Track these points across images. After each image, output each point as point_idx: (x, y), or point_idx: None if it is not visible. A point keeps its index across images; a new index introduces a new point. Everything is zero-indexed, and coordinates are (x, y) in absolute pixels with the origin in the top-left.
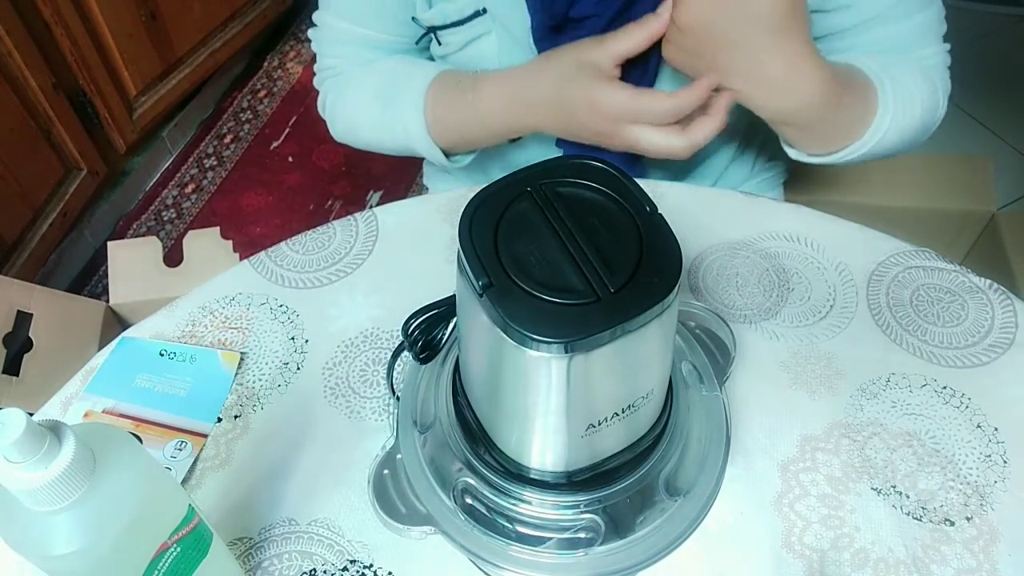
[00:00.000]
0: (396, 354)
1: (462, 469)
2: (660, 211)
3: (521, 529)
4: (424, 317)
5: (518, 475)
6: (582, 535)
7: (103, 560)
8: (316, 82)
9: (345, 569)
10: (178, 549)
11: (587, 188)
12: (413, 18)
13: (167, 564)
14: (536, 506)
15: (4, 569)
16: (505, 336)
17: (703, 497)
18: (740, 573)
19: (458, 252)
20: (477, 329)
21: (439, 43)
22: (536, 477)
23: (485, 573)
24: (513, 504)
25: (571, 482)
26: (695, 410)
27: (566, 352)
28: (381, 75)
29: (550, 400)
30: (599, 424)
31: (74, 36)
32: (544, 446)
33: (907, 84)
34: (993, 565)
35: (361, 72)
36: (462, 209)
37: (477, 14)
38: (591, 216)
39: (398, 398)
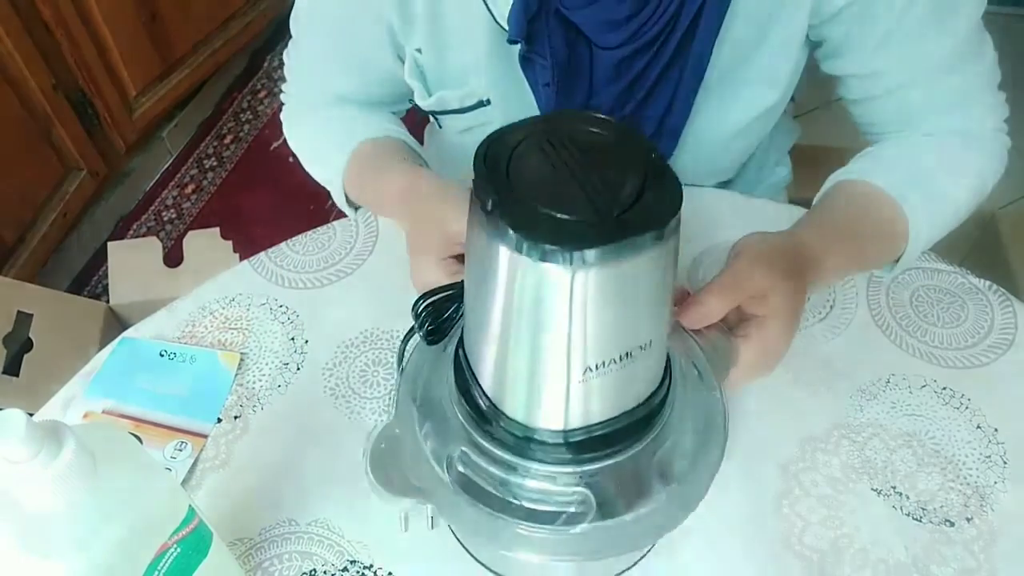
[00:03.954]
0: (407, 338)
1: (457, 441)
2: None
3: (512, 500)
4: (433, 299)
5: (514, 442)
6: (572, 510)
7: (103, 560)
8: (283, 98)
9: (345, 569)
10: (178, 549)
11: (595, 134)
12: (410, 100)
13: (167, 564)
14: (529, 477)
15: (5, 569)
16: (510, 250)
17: (696, 488)
18: (740, 573)
19: (472, 181)
20: (484, 258)
21: (439, 126)
22: (529, 437)
23: (480, 563)
24: (506, 473)
25: (563, 444)
26: (693, 407)
27: (570, 264)
28: (318, 128)
29: (550, 324)
30: (596, 369)
31: (74, 36)
32: (541, 392)
33: (940, 184)
34: (993, 565)
35: (307, 116)
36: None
37: (480, 104)
38: (598, 154)
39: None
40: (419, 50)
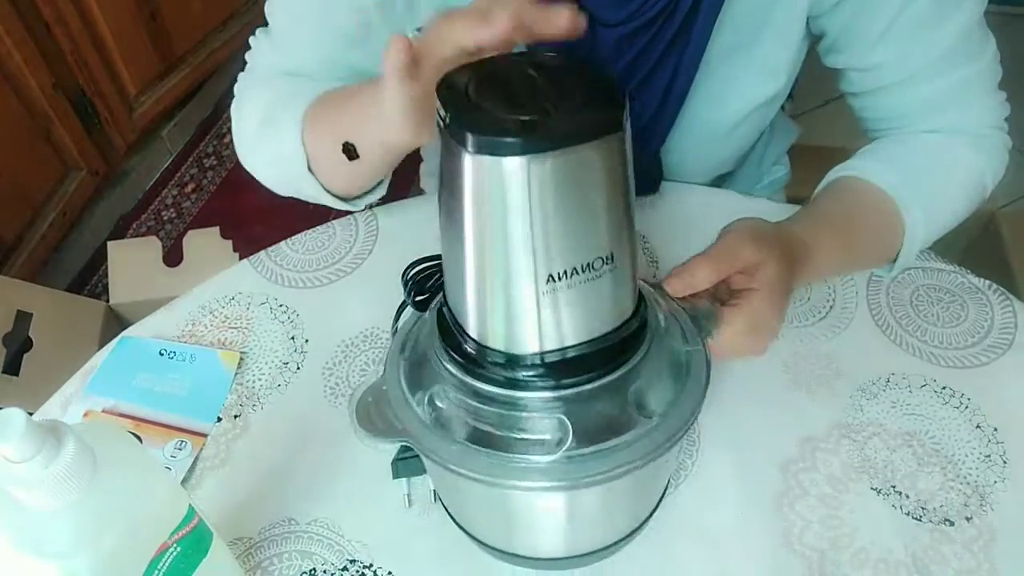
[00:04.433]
0: (401, 309)
1: (438, 380)
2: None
3: (490, 431)
4: (423, 267)
5: (491, 371)
6: (548, 437)
7: (103, 560)
8: (236, 88)
9: (345, 569)
10: (178, 549)
11: (554, 59)
12: None
13: (167, 564)
14: (506, 406)
15: (4, 569)
16: (470, 154)
17: (676, 422)
18: (740, 573)
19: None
20: (450, 173)
21: None
22: (509, 363)
23: (475, 539)
24: (484, 404)
25: (537, 365)
26: (675, 355)
27: (524, 153)
28: (279, 86)
29: (512, 225)
30: (559, 279)
31: (74, 36)
32: (505, 303)
33: (938, 184)
34: (993, 565)
35: (257, 87)
36: None
37: None
38: (553, 73)
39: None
40: (419, 30)
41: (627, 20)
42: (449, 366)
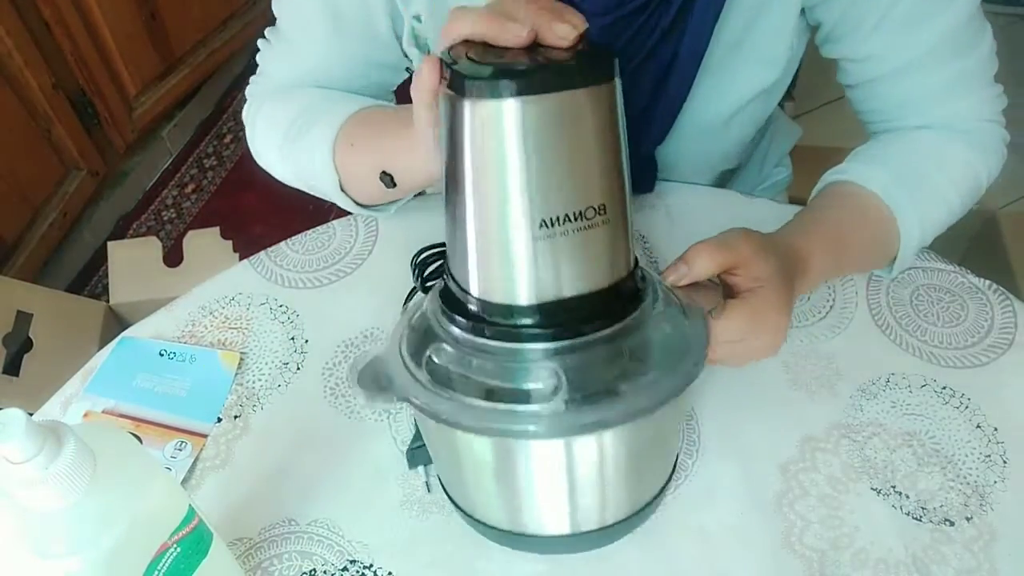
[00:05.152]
0: (410, 296)
1: (436, 340)
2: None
3: (485, 383)
4: (431, 252)
5: (487, 324)
6: (541, 386)
7: (103, 560)
8: (247, 95)
9: (345, 569)
10: (178, 549)
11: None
12: (408, 69)
13: (167, 564)
14: (503, 359)
15: (4, 569)
16: (465, 98)
17: (674, 380)
18: (740, 573)
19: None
20: (450, 132)
21: None
22: (500, 311)
23: (471, 518)
24: (480, 359)
25: (531, 315)
26: (673, 326)
27: (519, 94)
28: (328, 92)
29: (506, 166)
30: (552, 225)
31: (74, 36)
32: (500, 251)
33: (932, 184)
34: (993, 565)
35: (283, 95)
36: None
37: None
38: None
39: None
40: (418, 18)
41: (608, 10)
42: (448, 325)
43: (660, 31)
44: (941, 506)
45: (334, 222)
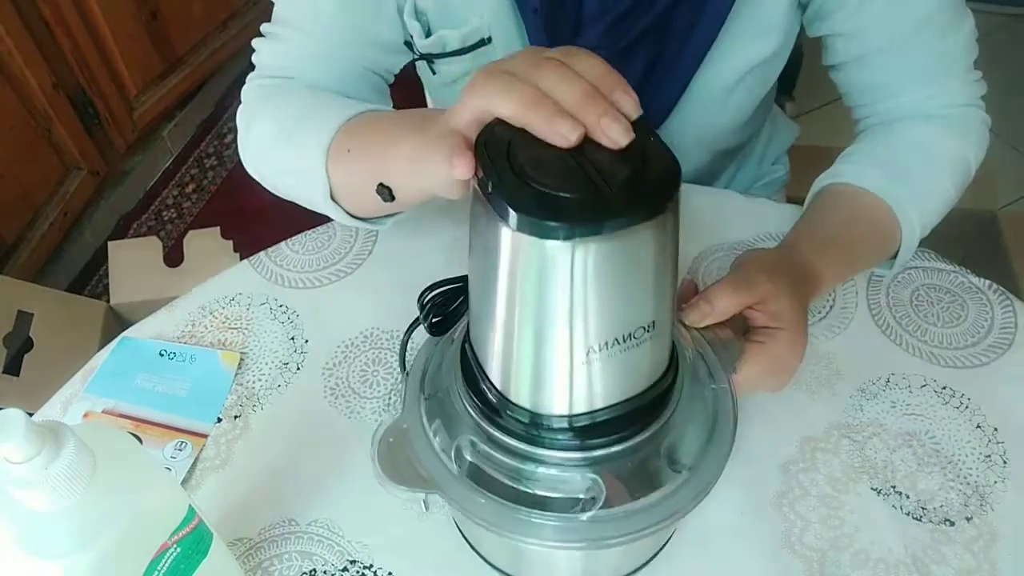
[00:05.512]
0: (410, 329)
1: (465, 430)
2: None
3: (520, 488)
4: (439, 291)
5: (520, 428)
6: (581, 496)
7: (103, 560)
8: (244, 93)
9: (345, 569)
10: (178, 549)
11: None
12: (407, 43)
13: (167, 564)
14: (536, 464)
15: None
16: (512, 230)
17: (706, 475)
18: (740, 573)
19: (475, 171)
20: (485, 241)
21: (433, 72)
22: (538, 423)
23: (484, 558)
24: (514, 461)
25: (571, 429)
26: (702, 399)
27: (570, 239)
28: (324, 95)
29: (552, 304)
30: (600, 350)
31: (74, 36)
32: (545, 373)
33: (925, 175)
34: (993, 565)
35: (301, 87)
36: (461, 209)
37: (481, 43)
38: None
39: (408, 373)
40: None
41: None
42: (474, 414)
43: (656, 13)
44: (941, 506)
45: (334, 223)
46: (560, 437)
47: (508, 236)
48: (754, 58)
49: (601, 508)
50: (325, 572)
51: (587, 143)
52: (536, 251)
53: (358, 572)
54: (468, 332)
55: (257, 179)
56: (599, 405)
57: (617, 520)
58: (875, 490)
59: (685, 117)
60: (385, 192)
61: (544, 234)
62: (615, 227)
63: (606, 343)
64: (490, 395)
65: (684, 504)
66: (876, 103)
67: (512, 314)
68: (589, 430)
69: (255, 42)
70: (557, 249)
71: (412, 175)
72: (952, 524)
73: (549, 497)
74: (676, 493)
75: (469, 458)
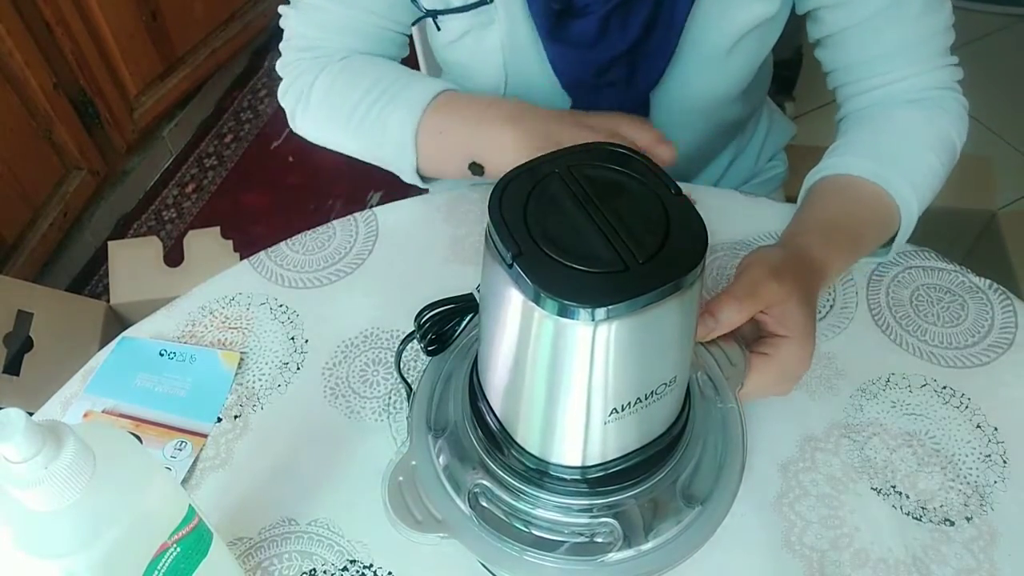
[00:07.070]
0: (404, 342)
1: (477, 472)
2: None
3: (537, 534)
4: (437, 311)
5: (535, 476)
6: (599, 540)
7: (103, 560)
8: (281, 65)
9: (345, 569)
10: (178, 549)
11: (614, 171)
12: (412, 0)
13: (167, 564)
14: (552, 510)
15: (4, 569)
16: (534, 305)
17: (720, 507)
18: (740, 573)
19: (486, 228)
20: (503, 306)
21: (438, 28)
22: (553, 474)
23: (491, 574)
24: (529, 507)
25: (587, 479)
26: (711, 422)
27: (593, 320)
28: (388, 68)
29: (575, 376)
30: (622, 410)
31: (74, 36)
32: (564, 434)
33: (915, 156)
34: (993, 565)
35: (361, 61)
36: (461, 209)
37: (483, 1)
38: (618, 195)
39: (409, 388)
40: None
41: None
42: (492, 464)
43: None
44: (941, 506)
45: (334, 222)
46: (577, 482)
47: (527, 307)
48: (752, 19)
49: (619, 550)
50: (325, 572)
51: (606, 203)
52: (556, 327)
53: (358, 572)
54: (475, 364)
55: (313, 140)
56: (614, 457)
57: (634, 561)
58: (875, 490)
59: (684, 77)
60: (477, 168)
61: (567, 314)
62: (641, 304)
63: (629, 403)
64: (500, 438)
65: (700, 538)
66: (860, 82)
67: (526, 379)
68: (610, 475)
69: (282, 9)
70: (579, 327)
71: (506, 152)
72: (952, 524)
73: (569, 542)
74: (691, 528)
75: (484, 503)
